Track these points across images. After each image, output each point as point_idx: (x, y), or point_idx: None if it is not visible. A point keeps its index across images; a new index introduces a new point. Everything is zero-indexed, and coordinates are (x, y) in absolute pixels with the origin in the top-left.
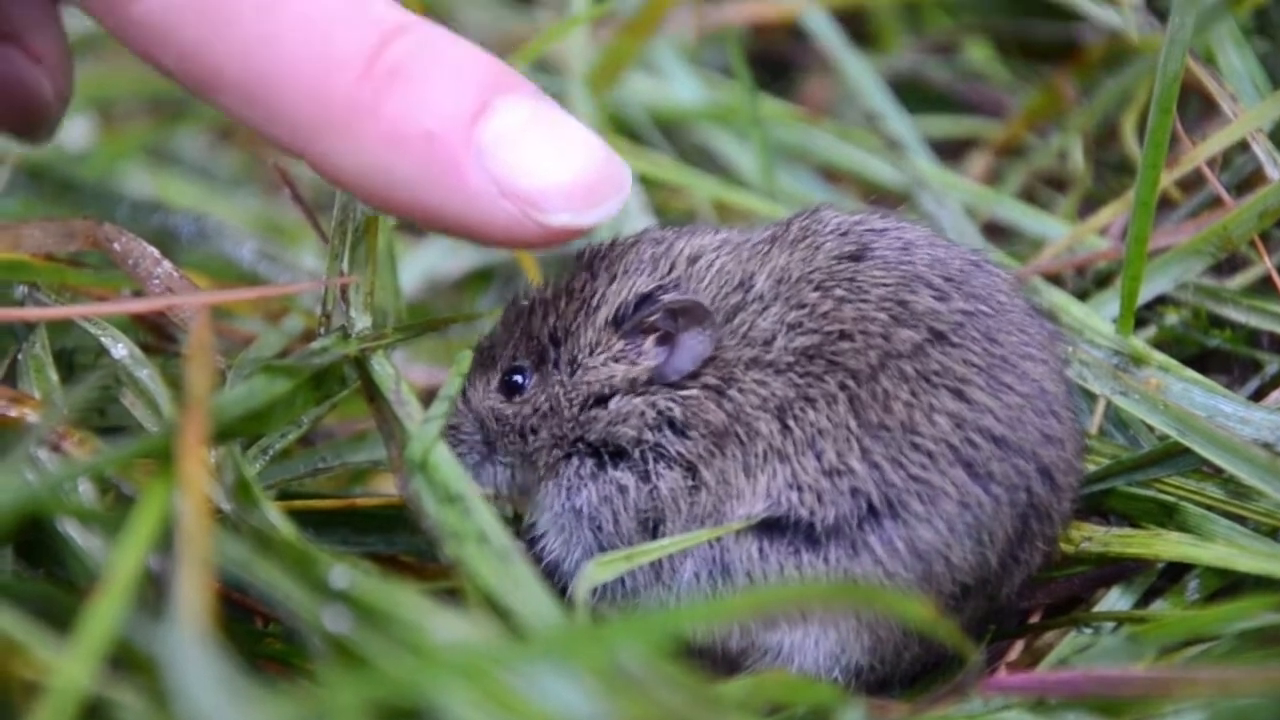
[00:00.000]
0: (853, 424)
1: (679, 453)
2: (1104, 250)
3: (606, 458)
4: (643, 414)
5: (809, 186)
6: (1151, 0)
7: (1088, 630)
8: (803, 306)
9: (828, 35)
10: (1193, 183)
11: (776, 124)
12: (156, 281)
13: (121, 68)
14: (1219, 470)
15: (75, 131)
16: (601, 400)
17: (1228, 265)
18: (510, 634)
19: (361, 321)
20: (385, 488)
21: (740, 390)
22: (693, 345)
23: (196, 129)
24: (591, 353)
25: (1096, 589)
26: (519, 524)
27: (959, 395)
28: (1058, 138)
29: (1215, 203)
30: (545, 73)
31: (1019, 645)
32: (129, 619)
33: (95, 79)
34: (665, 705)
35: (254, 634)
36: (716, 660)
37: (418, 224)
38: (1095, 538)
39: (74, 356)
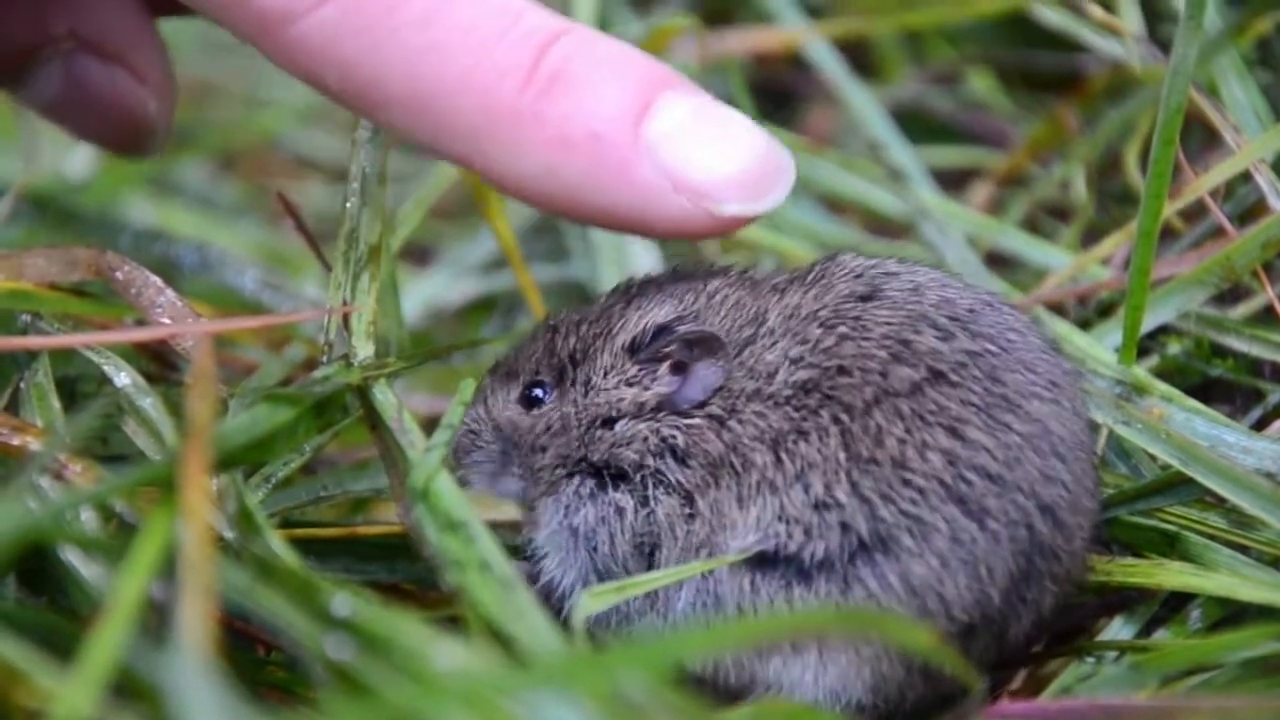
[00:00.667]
0: (842, 457)
1: (678, 481)
2: (1107, 280)
3: (608, 479)
4: (646, 439)
5: (812, 216)
6: (1154, 31)
7: (1090, 659)
8: (806, 342)
9: (830, 65)
10: (1195, 213)
11: None
12: (159, 310)
13: None
14: (1222, 500)
15: (78, 160)
16: (609, 422)
17: (1230, 295)
18: (512, 662)
19: (364, 350)
20: (387, 516)
21: (740, 421)
22: (705, 376)
23: (199, 158)
24: (605, 375)
25: (1099, 618)
26: (519, 552)
27: (953, 433)
28: (1060, 168)
29: (1218, 233)
30: None
31: (1022, 674)
32: (131, 647)
33: None
34: None
35: (256, 662)
36: (718, 694)
37: (584, 223)
38: (1098, 567)
39: (76, 385)
